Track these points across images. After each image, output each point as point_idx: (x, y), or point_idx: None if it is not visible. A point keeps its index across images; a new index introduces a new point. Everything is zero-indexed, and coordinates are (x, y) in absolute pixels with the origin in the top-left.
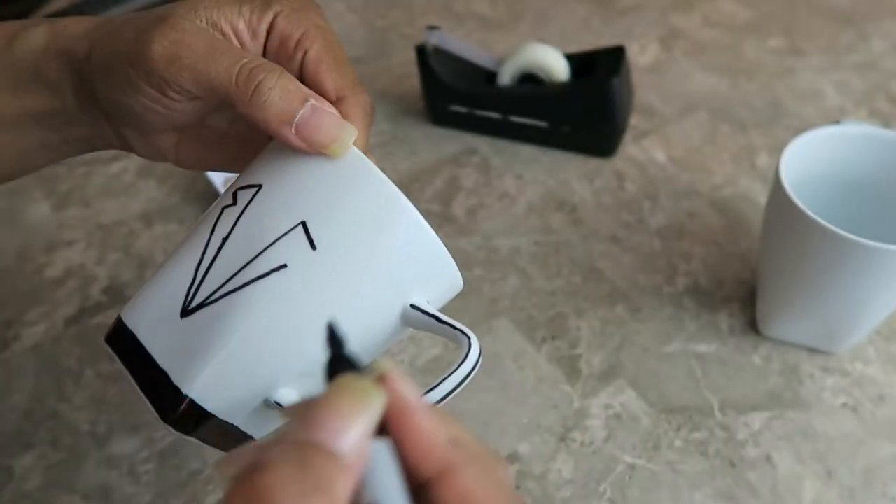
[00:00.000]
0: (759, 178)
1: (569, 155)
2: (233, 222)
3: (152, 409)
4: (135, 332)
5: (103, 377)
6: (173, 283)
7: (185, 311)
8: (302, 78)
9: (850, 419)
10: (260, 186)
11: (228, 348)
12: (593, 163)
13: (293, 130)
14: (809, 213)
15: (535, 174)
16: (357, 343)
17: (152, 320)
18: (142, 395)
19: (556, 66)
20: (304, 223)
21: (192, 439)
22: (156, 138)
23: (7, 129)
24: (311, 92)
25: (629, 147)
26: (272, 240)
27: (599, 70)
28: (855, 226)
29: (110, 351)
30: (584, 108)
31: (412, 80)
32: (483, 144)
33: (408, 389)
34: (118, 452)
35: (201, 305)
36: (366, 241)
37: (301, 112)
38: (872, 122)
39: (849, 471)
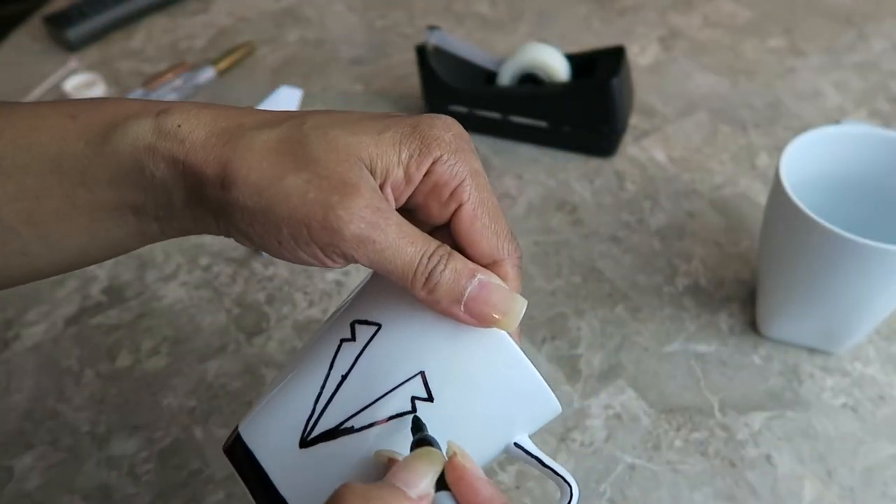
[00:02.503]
0: (759, 178)
1: (569, 155)
2: (352, 361)
3: None
4: (254, 451)
5: (103, 377)
6: (292, 411)
7: (304, 442)
8: (454, 227)
9: (850, 419)
10: (380, 326)
11: None
12: (593, 163)
13: (462, 308)
14: (809, 213)
15: (535, 174)
16: None
17: (271, 444)
18: None
19: (556, 66)
20: (423, 373)
21: None
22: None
23: (101, 219)
24: (477, 267)
25: (629, 147)
26: (391, 387)
27: (599, 70)
28: (855, 226)
29: (227, 461)
30: (584, 108)
31: (412, 80)
32: (483, 144)
33: (470, 463)
34: (118, 452)
35: (319, 439)
36: (481, 393)
37: (469, 289)
38: (872, 122)
39: (849, 471)
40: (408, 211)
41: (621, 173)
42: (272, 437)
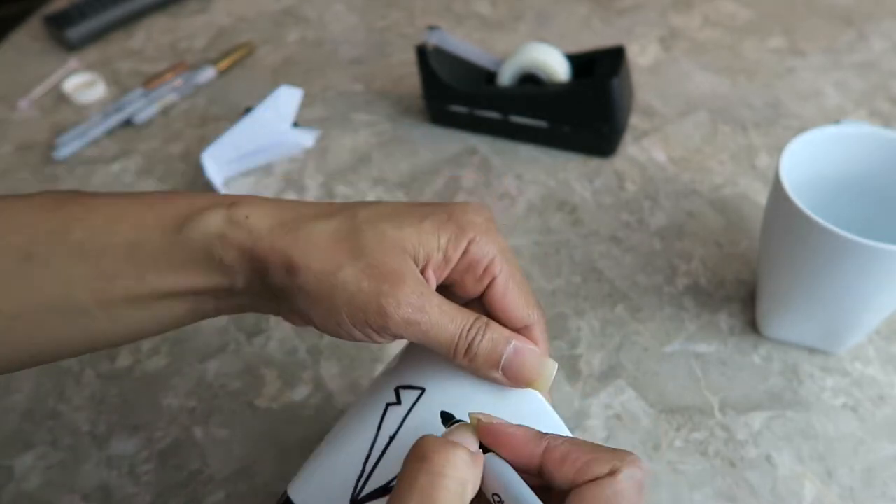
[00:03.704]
0: (759, 178)
1: (569, 155)
2: (399, 422)
3: None
4: None
5: (103, 377)
6: (343, 472)
7: (355, 501)
8: (488, 298)
9: (850, 419)
10: (423, 390)
11: None
12: (593, 163)
13: (500, 372)
14: (809, 213)
15: (535, 174)
16: None
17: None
18: None
19: (556, 66)
20: None
21: None
22: (312, 325)
23: (166, 302)
24: (511, 333)
25: (629, 147)
26: None
27: (599, 70)
28: (855, 226)
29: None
30: (584, 108)
31: (412, 80)
32: (483, 144)
33: (494, 419)
34: (118, 452)
35: (370, 497)
36: None
37: (505, 356)
38: (872, 122)
39: (849, 471)
40: (446, 287)
41: (621, 173)
42: (322, 498)
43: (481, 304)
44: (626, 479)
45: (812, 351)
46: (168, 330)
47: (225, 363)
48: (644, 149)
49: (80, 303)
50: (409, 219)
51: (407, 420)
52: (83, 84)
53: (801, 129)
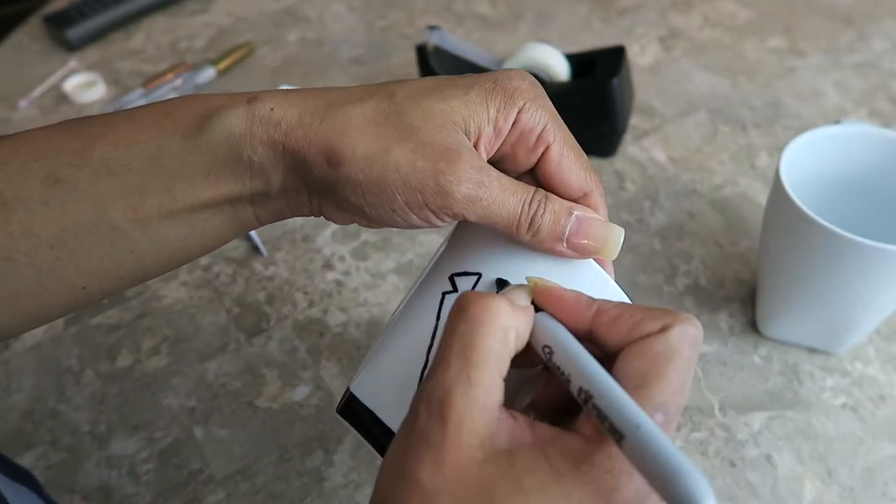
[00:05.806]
0: (759, 178)
1: None
2: None
3: None
4: (372, 408)
5: (103, 377)
6: (406, 365)
7: None
8: (542, 169)
9: (850, 419)
10: (479, 275)
11: None
12: (593, 163)
13: (564, 245)
14: (809, 213)
15: None
16: None
17: (388, 399)
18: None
19: (557, 66)
20: None
21: None
22: (359, 219)
23: (202, 214)
24: (572, 204)
25: (629, 147)
26: None
27: (599, 70)
28: (855, 226)
29: (343, 421)
30: (584, 108)
31: None
32: None
33: (551, 283)
34: (118, 452)
35: None
36: None
37: (569, 227)
38: (872, 122)
39: (849, 471)
40: (495, 162)
41: (621, 173)
42: (388, 392)
43: (532, 178)
44: (679, 336)
45: (812, 351)
46: (214, 247)
47: (225, 363)
48: (644, 149)
49: (114, 222)
50: (452, 90)
51: None
52: (83, 84)
53: (801, 129)
